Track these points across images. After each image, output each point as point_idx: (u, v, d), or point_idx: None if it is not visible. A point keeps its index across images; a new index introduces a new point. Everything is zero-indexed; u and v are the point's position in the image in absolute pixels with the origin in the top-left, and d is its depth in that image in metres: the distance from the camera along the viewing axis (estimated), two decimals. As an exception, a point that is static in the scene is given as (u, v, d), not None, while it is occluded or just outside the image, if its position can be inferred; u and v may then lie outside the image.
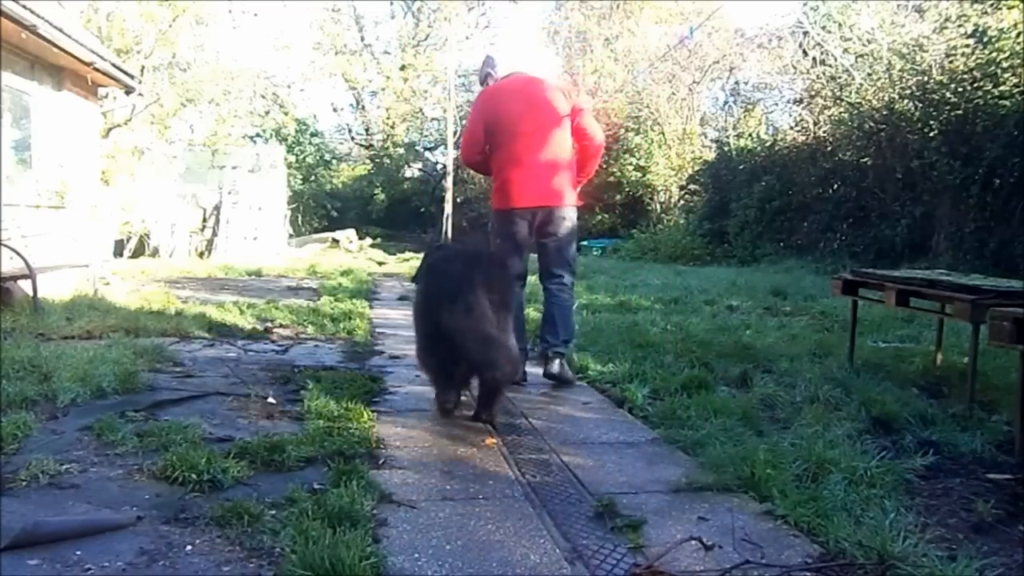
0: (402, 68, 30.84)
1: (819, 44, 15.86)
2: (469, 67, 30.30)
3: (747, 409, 3.62)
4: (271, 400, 3.79)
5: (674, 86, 21.52)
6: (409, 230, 29.51)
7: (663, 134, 21.45)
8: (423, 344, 3.60)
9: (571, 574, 2.10)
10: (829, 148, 15.23)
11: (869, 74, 14.36)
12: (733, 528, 2.33)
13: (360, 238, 22.24)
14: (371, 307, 7.79)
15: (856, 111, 14.28)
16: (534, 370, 4.51)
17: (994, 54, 11.32)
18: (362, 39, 32.28)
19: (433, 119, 32.36)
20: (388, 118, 31.40)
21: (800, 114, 17.33)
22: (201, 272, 11.96)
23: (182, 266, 12.87)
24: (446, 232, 23.48)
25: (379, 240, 24.57)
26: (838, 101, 15.26)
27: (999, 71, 11.20)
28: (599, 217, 22.15)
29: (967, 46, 11.89)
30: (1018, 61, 10.93)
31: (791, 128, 17.65)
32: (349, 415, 3.40)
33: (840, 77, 15.27)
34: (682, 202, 20.80)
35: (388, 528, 2.33)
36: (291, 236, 20.96)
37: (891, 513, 2.37)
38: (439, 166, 31.74)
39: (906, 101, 12.92)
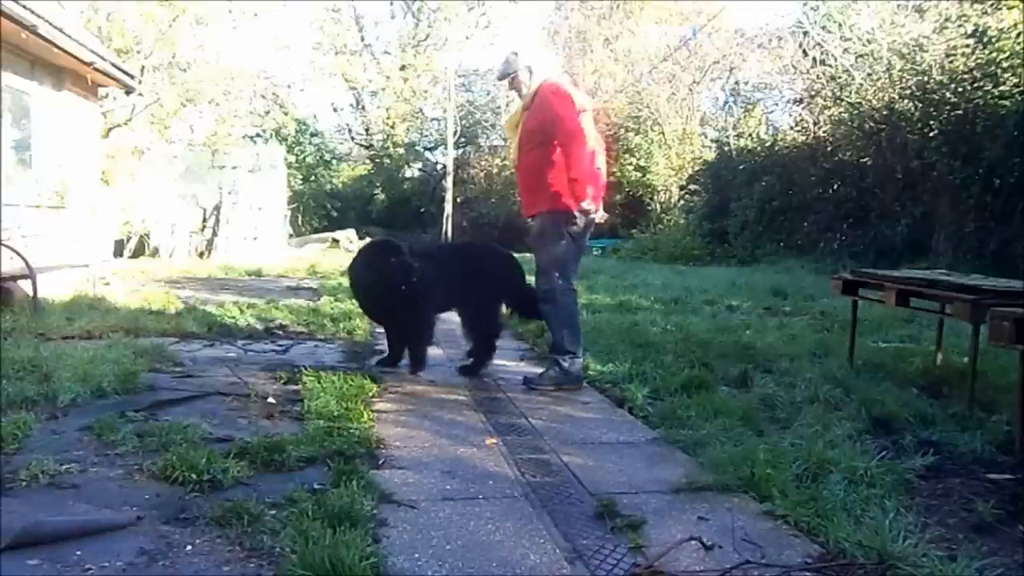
0: (402, 68, 30.86)
1: (819, 44, 15.84)
2: (469, 67, 30.39)
3: (747, 409, 3.62)
4: (271, 400, 3.79)
5: (674, 86, 21.51)
6: (409, 230, 29.49)
7: (663, 134, 21.45)
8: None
9: (571, 574, 2.10)
10: (829, 148, 15.23)
11: (869, 74, 14.35)
12: (733, 528, 2.33)
13: (360, 238, 22.23)
14: (371, 307, 7.76)
15: (856, 111, 14.27)
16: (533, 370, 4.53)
17: (994, 54, 11.32)
18: (362, 39, 32.31)
19: (433, 119, 32.40)
20: (388, 118, 31.41)
21: (800, 114, 17.32)
22: (201, 272, 11.96)
23: (182, 266, 12.86)
24: (446, 232, 23.50)
25: (379, 240, 24.54)
26: (838, 101, 15.25)
27: (999, 71, 11.19)
28: (599, 217, 22.12)
29: (967, 46, 11.88)
30: (1018, 61, 10.93)
31: (791, 128, 17.65)
32: (349, 415, 3.40)
33: (840, 77, 15.25)
34: (682, 202, 20.78)
35: (388, 528, 2.33)
36: (291, 236, 20.98)
37: (891, 513, 2.37)
38: (439, 166, 31.75)
39: (906, 101, 12.91)
